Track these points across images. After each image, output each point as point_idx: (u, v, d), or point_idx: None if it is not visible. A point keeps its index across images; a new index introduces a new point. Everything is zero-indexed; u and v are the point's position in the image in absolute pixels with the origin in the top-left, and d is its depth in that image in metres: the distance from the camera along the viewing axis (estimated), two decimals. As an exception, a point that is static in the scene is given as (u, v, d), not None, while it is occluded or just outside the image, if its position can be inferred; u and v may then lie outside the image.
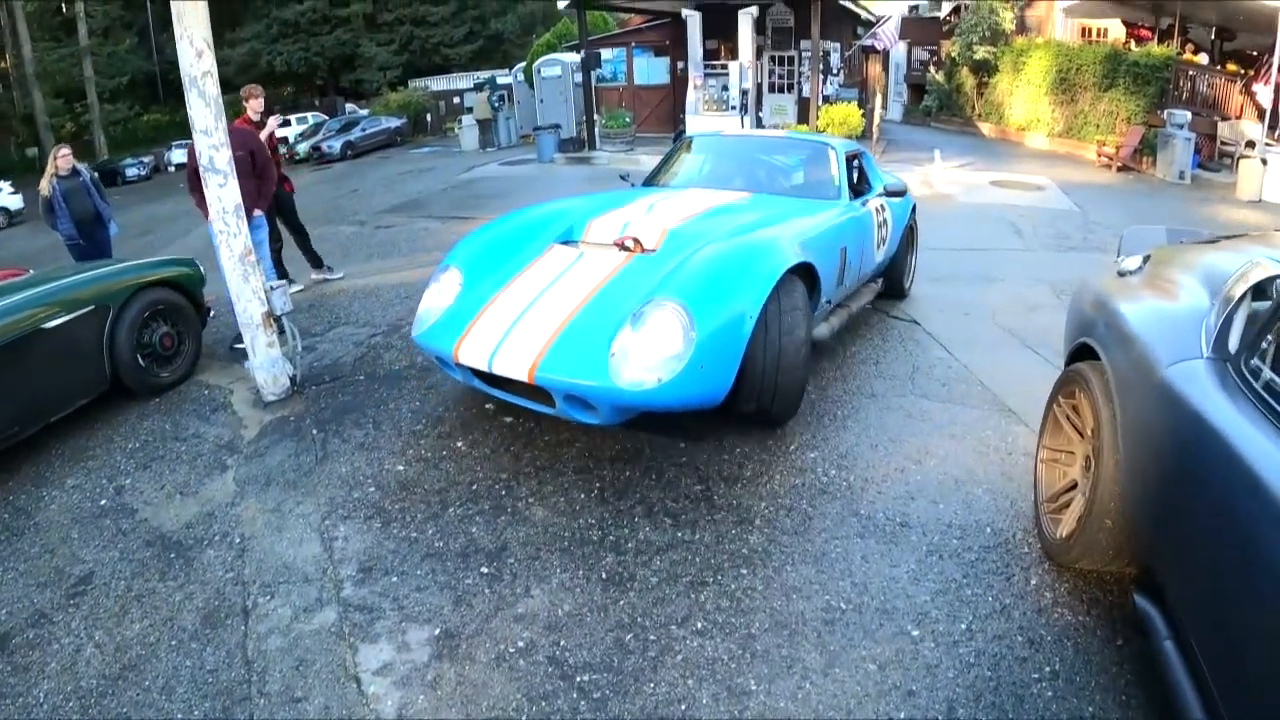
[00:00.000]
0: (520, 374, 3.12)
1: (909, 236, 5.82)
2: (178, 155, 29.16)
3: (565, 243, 3.95)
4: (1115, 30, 18.27)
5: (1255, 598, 1.59)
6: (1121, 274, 2.92)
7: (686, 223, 3.90)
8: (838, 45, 16.18)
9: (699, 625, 2.44)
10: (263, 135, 6.09)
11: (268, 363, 4.38)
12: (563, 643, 2.40)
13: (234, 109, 5.06)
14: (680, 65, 15.44)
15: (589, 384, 2.98)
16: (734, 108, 13.59)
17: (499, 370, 3.20)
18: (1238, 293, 2.09)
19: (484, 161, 16.41)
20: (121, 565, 2.95)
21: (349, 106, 31.91)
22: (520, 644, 2.41)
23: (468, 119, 19.80)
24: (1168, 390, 2.02)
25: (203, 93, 4.06)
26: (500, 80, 22.78)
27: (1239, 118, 13.48)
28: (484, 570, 2.78)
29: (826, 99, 14.67)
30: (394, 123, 25.74)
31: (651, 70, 17.80)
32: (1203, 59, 14.96)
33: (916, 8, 24.75)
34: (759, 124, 14.36)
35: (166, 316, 4.64)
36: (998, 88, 17.82)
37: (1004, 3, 18.22)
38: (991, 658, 2.28)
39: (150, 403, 4.43)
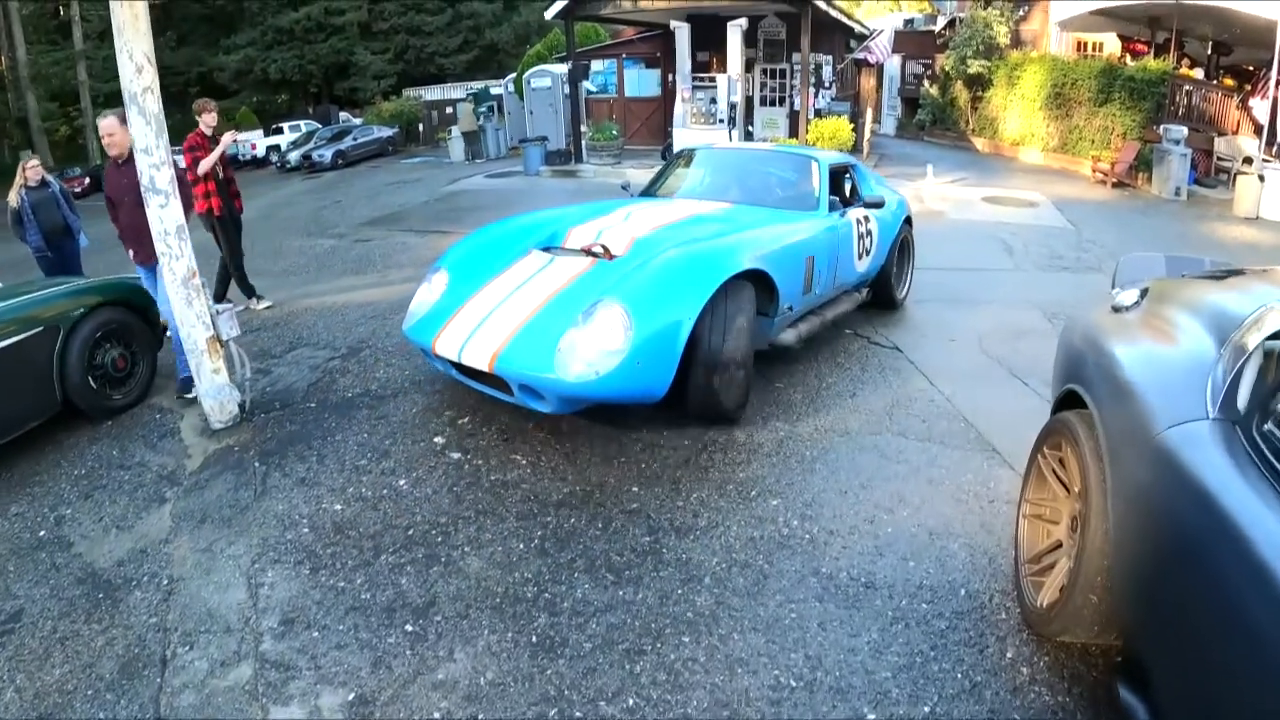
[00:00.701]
0: (483, 365, 3.48)
1: (903, 248, 5.92)
2: (170, 161, 29.22)
3: (545, 248, 4.19)
4: (1111, 44, 18.12)
5: (1257, 703, 1.34)
6: (1116, 309, 2.64)
7: (654, 232, 4.12)
8: (830, 58, 16.02)
9: (630, 702, 2.18)
10: (217, 151, 5.86)
11: (214, 390, 4.18)
12: (480, 716, 2.15)
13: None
14: (671, 78, 15.24)
15: (537, 375, 3.32)
16: (722, 121, 13.36)
17: (466, 361, 3.56)
18: (1250, 344, 1.83)
19: (469, 174, 16.18)
20: (51, 603, 2.81)
21: (343, 115, 31.73)
22: (436, 715, 2.17)
23: (455, 130, 19.59)
24: (1166, 455, 1.76)
25: (143, 110, 3.83)
26: (493, 90, 22.62)
27: (1235, 133, 13.29)
28: (409, 628, 2.54)
29: (818, 112, 14.48)
30: (386, 132, 25.54)
31: (642, 82, 17.59)
32: (1199, 74, 14.80)
33: (911, 21, 24.66)
34: (748, 137, 14.15)
35: (119, 337, 4.48)
36: (992, 102, 17.64)
37: (999, 16, 18.07)
38: (958, 753, 2.02)
39: (102, 426, 4.28)
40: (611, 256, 3.87)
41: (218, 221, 6.07)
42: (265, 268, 8.61)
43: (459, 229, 9.77)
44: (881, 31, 15.40)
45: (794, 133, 14.13)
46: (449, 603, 2.64)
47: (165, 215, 3.93)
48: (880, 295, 5.68)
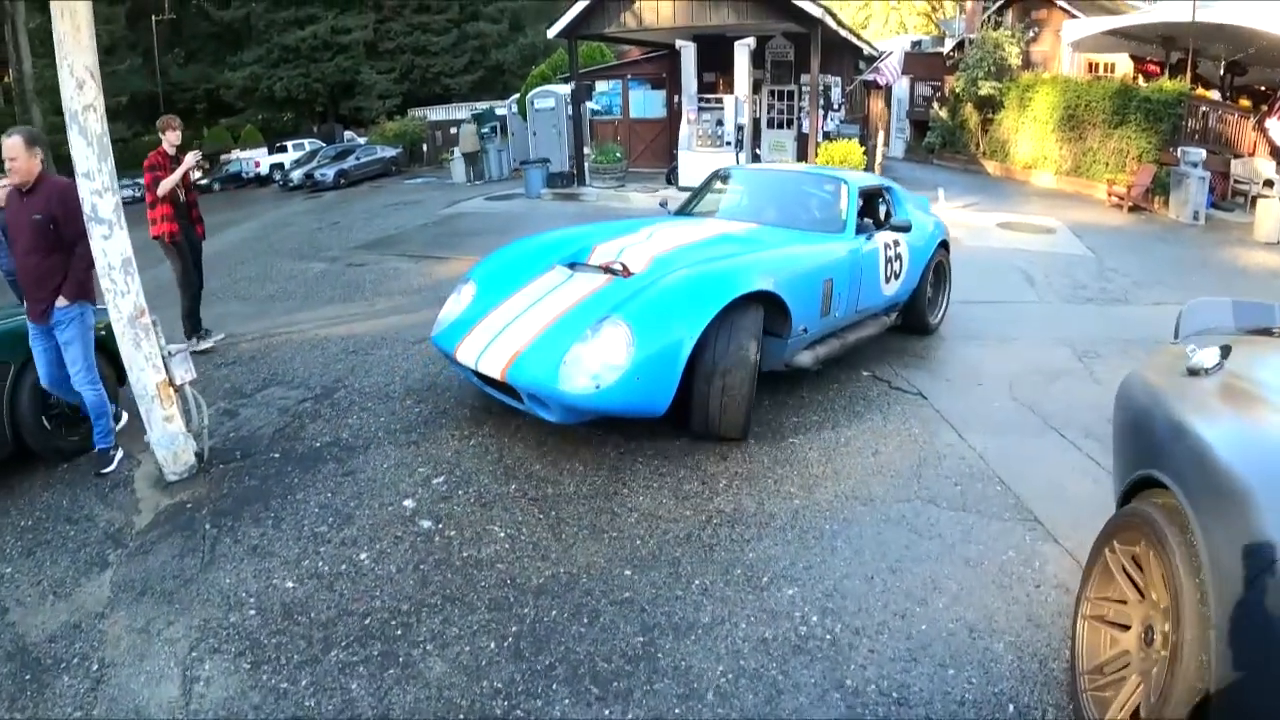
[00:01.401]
0: (496, 373, 3.66)
1: (938, 272, 5.88)
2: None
3: (571, 264, 4.30)
4: (1123, 65, 17.80)
5: None
6: (1194, 372, 2.22)
7: (673, 251, 4.20)
8: (839, 80, 15.68)
9: None
10: (179, 172, 5.49)
11: (166, 439, 3.81)
12: None
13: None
14: (677, 99, 14.93)
15: (542, 386, 3.47)
16: (729, 144, 13.00)
17: (482, 369, 3.74)
18: None
19: (470, 196, 15.85)
20: (-23, 681, 2.49)
21: (348, 134, 31.55)
22: None
23: (456, 151, 19.29)
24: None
25: (84, 129, 3.47)
26: (498, 111, 22.37)
27: (1252, 155, 12.91)
28: (354, 752, 2.12)
29: (827, 135, 14.11)
30: (389, 152, 25.28)
31: (648, 103, 17.27)
32: (1214, 95, 14.45)
33: (919, 43, 24.40)
34: (755, 160, 13.80)
35: None
36: (1003, 124, 17.28)
37: (1010, 37, 17.77)
38: None
39: (57, 470, 3.98)
40: (629, 273, 3.98)
41: (174, 247, 5.66)
42: (252, 292, 8.29)
43: (454, 255, 9.45)
44: (891, 53, 15.04)
45: (802, 156, 13.77)
46: (404, 718, 2.23)
47: (110, 248, 3.58)
48: (911, 320, 5.63)
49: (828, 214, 5.04)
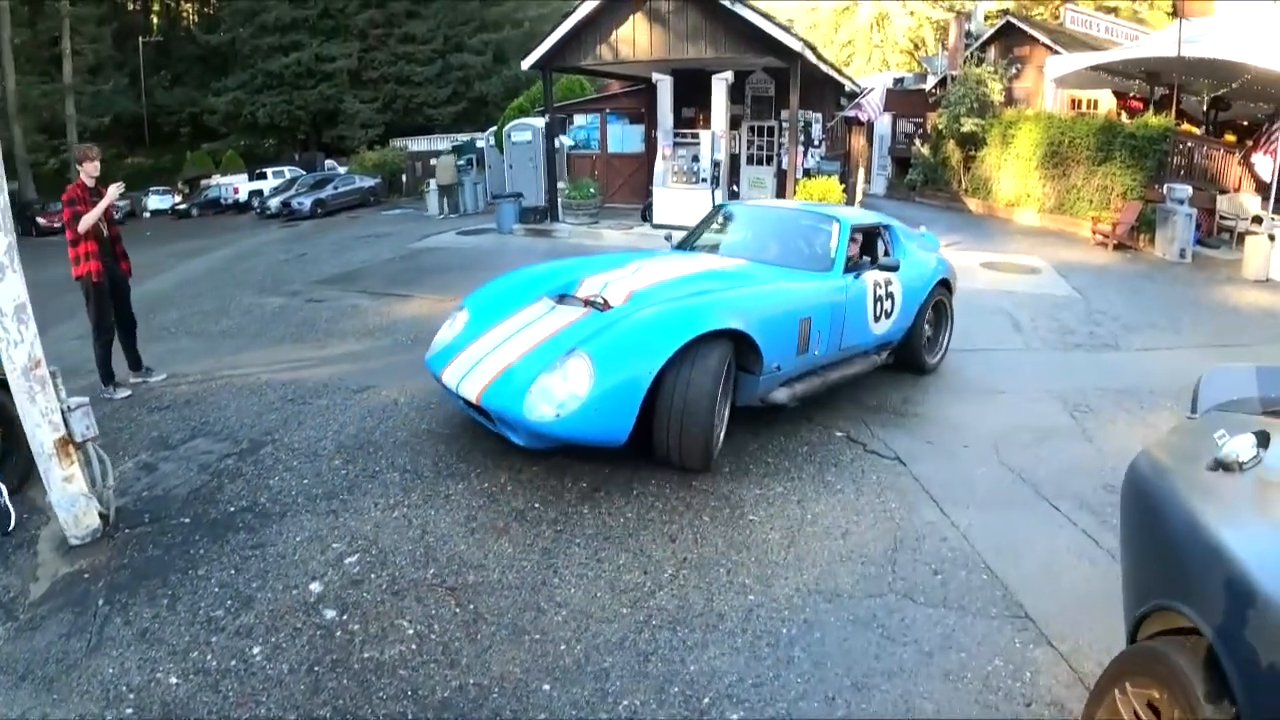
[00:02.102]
0: (473, 397, 3.85)
1: (938, 311, 5.80)
2: (154, 201, 28.88)
3: (558, 296, 4.44)
4: (1106, 101, 17.78)
5: None
6: (1225, 466, 1.77)
7: (654, 286, 4.29)
8: (819, 116, 15.48)
9: None
10: (100, 207, 5.07)
11: (67, 501, 3.46)
12: None
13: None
14: (654, 133, 14.67)
15: (509, 411, 3.65)
16: (704, 180, 12.69)
17: (462, 392, 3.93)
18: None
19: (441, 230, 15.42)
20: None
21: (329, 163, 31.21)
22: None
23: (433, 183, 18.94)
24: None
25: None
26: (478, 143, 22.12)
27: (1238, 190, 12.74)
28: None
29: (807, 172, 13.84)
30: (368, 182, 24.93)
31: (626, 138, 16.98)
32: (1198, 131, 14.34)
33: (901, 80, 24.39)
34: (734, 197, 13.51)
35: None
36: (985, 161, 17.13)
37: (992, 73, 17.72)
38: None
39: None
40: (608, 307, 4.10)
41: (94, 288, 5.22)
42: (205, 328, 7.87)
43: (415, 293, 9.05)
44: (873, 89, 14.84)
45: (781, 193, 13.50)
46: None
47: (2, 291, 3.25)
48: (906, 359, 5.56)
49: (817, 252, 5.03)
